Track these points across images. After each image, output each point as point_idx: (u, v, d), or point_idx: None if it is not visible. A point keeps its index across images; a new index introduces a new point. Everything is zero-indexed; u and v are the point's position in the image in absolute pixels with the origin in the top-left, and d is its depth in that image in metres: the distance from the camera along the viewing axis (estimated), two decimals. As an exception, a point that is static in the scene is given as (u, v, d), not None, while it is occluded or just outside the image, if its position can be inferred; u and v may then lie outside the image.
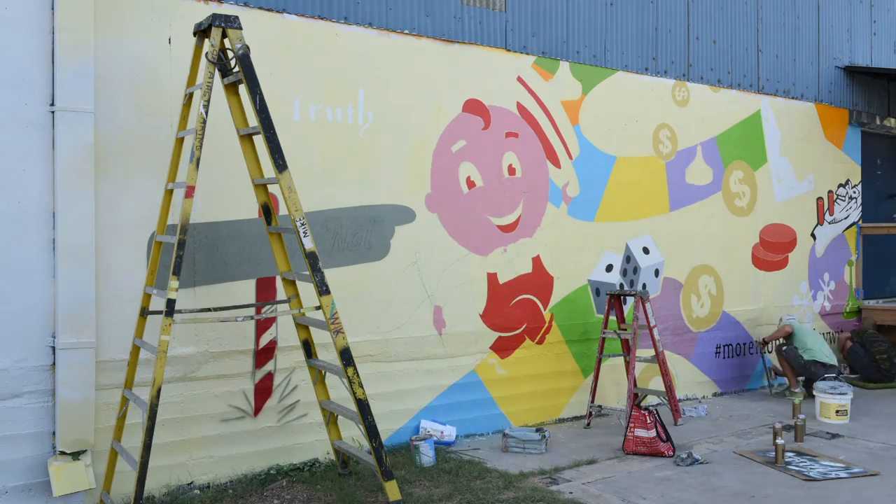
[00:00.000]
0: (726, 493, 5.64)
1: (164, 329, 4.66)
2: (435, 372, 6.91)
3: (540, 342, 7.61)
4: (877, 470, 6.10)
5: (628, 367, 7.47)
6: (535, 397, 7.55)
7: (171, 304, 4.68)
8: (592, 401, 7.62)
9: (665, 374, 7.53)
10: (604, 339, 7.65)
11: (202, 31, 5.22)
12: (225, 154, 5.75)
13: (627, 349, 7.67)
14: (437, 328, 6.94)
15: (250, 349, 5.98)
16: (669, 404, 7.62)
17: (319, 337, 5.95)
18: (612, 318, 7.80)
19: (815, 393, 7.98)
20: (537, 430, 6.78)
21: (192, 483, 5.69)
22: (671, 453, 6.46)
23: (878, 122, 10.92)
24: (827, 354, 8.72)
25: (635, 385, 7.45)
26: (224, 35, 5.07)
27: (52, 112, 5.13)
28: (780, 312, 9.76)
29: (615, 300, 7.69)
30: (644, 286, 8.34)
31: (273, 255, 5.62)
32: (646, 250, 8.50)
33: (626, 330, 7.60)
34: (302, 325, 5.66)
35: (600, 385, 7.79)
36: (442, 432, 6.69)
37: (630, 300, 8.10)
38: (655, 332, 7.57)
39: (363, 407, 5.08)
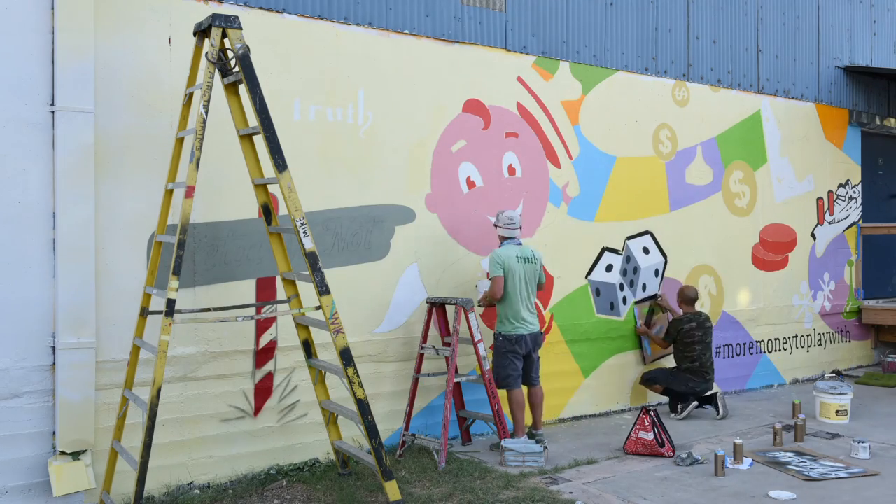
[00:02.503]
0: (726, 493, 5.63)
1: (164, 329, 4.66)
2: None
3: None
4: (877, 470, 6.10)
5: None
6: (535, 397, 7.53)
7: (171, 304, 4.68)
8: (406, 428, 6.55)
9: (492, 396, 6.51)
10: (421, 355, 6.62)
11: (202, 31, 5.22)
12: (225, 154, 5.75)
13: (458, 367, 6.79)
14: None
15: (250, 349, 5.97)
16: (497, 430, 6.58)
17: (319, 337, 5.95)
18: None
19: (814, 393, 7.94)
20: (536, 441, 6.41)
21: (192, 483, 5.69)
22: (671, 454, 6.46)
23: (878, 122, 10.92)
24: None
25: (463, 408, 6.84)
26: (224, 35, 5.07)
27: (52, 112, 5.13)
28: (781, 312, 9.76)
29: (438, 310, 6.73)
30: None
31: (273, 255, 5.62)
32: (646, 250, 8.50)
33: (448, 346, 6.60)
34: (302, 325, 5.66)
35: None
36: None
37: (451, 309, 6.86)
38: (480, 347, 6.54)
39: (363, 407, 5.08)
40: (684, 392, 7.91)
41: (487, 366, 6.55)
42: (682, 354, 7.97)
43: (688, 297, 8.16)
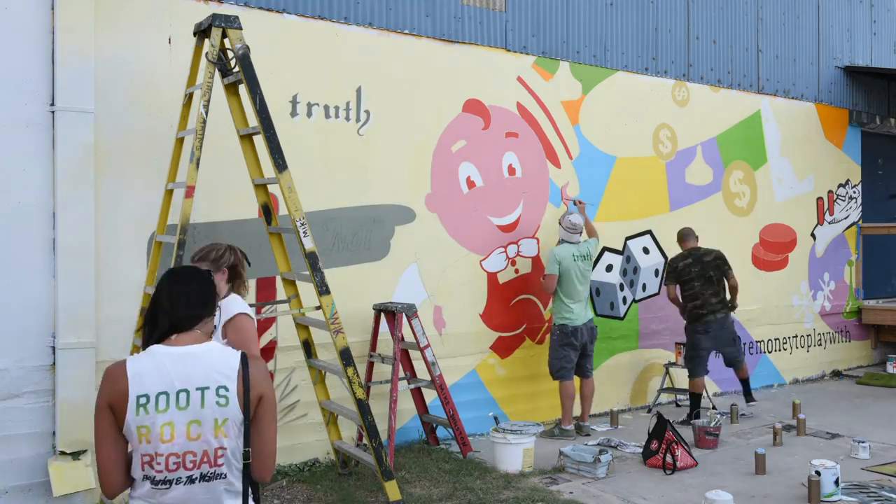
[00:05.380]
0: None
1: (164, 329, 4.65)
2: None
3: (540, 342, 7.61)
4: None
5: (391, 396, 6.16)
6: (535, 397, 7.54)
7: (171, 304, 4.67)
8: (360, 440, 6.31)
9: (446, 402, 6.42)
10: (371, 363, 6.51)
11: (202, 32, 5.22)
12: (225, 154, 5.74)
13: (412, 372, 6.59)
14: (437, 328, 6.94)
15: (250, 349, 5.97)
16: (455, 437, 6.47)
17: (319, 337, 5.95)
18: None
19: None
20: (586, 434, 6.07)
21: (192, 483, 5.68)
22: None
23: (878, 122, 10.92)
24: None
25: (426, 412, 6.68)
26: (224, 35, 5.07)
27: (52, 112, 5.13)
28: (781, 312, 9.76)
29: (387, 316, 6.41)
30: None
31: (273, 255, 5.62)
32: (646, 250, 8.50)
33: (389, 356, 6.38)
34: (302, 325, 5.66)
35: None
36: None
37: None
38: (428, 353, 6.37)
39: (363, 407, 5.08)
40: (695, 348, 7.61)
41: (438, 371, 6.39)
42: (685, 295, 7.71)
43: (680, 234, 7.88)
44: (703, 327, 7.62)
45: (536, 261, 7.62)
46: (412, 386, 6.56)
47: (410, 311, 6.33)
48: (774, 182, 9.75)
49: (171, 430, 2.33)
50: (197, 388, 2.36)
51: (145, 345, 2.45)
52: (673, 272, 7.75)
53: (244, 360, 2.45)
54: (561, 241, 7.21)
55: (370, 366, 6.52)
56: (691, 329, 7.70)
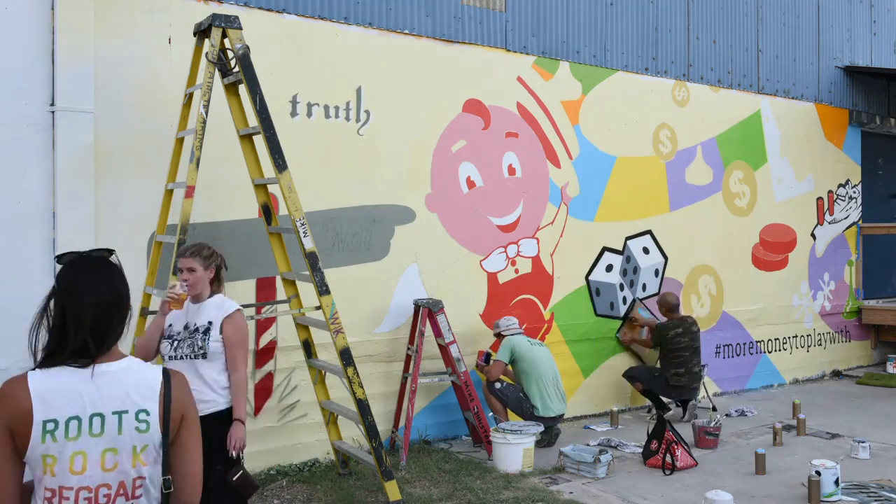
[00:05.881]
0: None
1: (164, 329, 4.65)
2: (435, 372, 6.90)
3: (539, 341, 7.60)
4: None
5: (402, 389, 6.27)
6: (535, 397, 7.53)
7: (171, 304, 4.67)
8: (395, 427, 6.56)
9: (471, 399, 6.44)
10: (409, 356, 6.59)
11: (202, 32, 5.22)
12: (225, 154, 5.75)
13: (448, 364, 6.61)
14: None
15: (250, 349, 5.97)
16: (480, 436, 6.50)
17: (319, 337, 5.95)
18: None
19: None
20: (601, 452, 6.04)
21: (192, 483, 5.68)
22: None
23: (878, 122, 10.92)
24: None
25: (467, 409, 6.61)
26: (224, 35, 5.07)
27: (52, 112, 5.13)
28: (781, 312, 9.76)
29: (425, 310, 6.46)
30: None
31: (273, 255, 5.62)
32: (646, 250, 8.50)
33: (441, 347, 6.50)
34: (302, 325, 5.66)
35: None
36: None
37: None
38: (453, 349, 6.43)
39: (363, 407, 5.08)
40: (664, 398, 7.77)
41: (462, 367, 6.45)
42: (668, 361, 7.70)
43: (669, 303, 7.86)
44: (675, 393, 7.70)
45: (536, 261, 7.62)
46: (432, 377, 6.60)
47: (436, 306, 6.43)
48: (774, 182, 9.75)
49: (84, 459, 2.00)
50: (114, 413, 2.03)
51: (48, 359, 2.05)
52: (662, 340, 7.74)
53: (166, 377, 2.13)
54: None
55: (408, 358, 6.61)
56: (664, 386, 7.69)
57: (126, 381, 2.07)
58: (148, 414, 2.07)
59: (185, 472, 2.13)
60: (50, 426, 1.97)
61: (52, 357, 2.05)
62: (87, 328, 2.04)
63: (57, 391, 2.00)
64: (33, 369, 2.05)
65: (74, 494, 2.00)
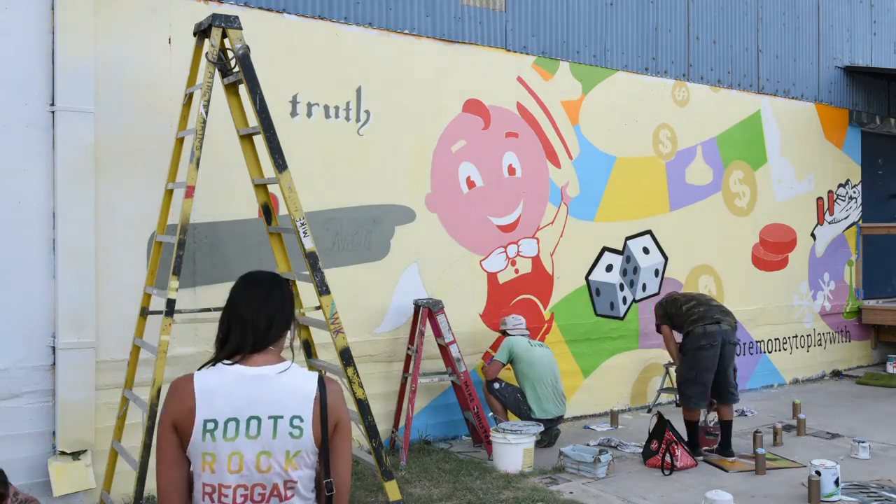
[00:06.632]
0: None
1: (164, 329, 4.65)
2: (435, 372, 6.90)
3: (540, 342, 7.60)
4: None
5: (402, 389, 6.28)
6: (535, 397, 7.53)
7: (171, 304, 4.67)
8: (395, 427, 6.59)
9: (471, 399, 6.43)
10: (409, 356, 6.60)
11: (202, 32, 5.21)
12: (225, 154, 5.75)
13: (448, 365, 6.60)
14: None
15: (250, 349, 5.96)
16: (479, 436, 6.50)
17: (319, 337, 5.94)
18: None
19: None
20: (601, 452, 6.00)
21: (192, 483, 5.68)
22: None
23: (878, 122, 10.92)
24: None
25: (467, 409, 6.57)
26: (224, 35, 5.06)
27: (52, 112, 5.13)
28: (781, 312, 9.76)
29: (425, 310, 6.45)
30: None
31: (273, 255, 5.61)
32: (646, 250, 8.50)
33: (441, 346, 6.52)
34: (302, 325, 5.65)
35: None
36: None
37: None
38: (453, 349, 6.44)
39: (363, 407, 5.08)
40: (693, 368, 6.43)
41: (463, 367, 6.45)
42: (687, 317, 6.51)
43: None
44: (706, 340, 6.30)
45: (536, 261, 7.62)
46: (431, 377, 6.59)
47: (436, 306, 6.44)
48: (774, 182, 9.75)
49: (240, 460, 2.12)
50: (269, 417, 2.14)
51: (217, 360, 2.21)
52: (672, 309, 6.74)
53: (321, 384, 2.21)
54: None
55: (408, 358, 6.62)
56: (690, 341, 6.39)
57: (283, 387, 2.18)
58: (302, 420, 2.16)
59: (336, 477, 2.23)
60: (210, 425, 2.11)
61: (216, 357, 2.22)
62: (249, 329, 2.20)
63: (219, 392, 2.14)
64: (199, 369, 2.20)
65: (232, 492, 2.13)
